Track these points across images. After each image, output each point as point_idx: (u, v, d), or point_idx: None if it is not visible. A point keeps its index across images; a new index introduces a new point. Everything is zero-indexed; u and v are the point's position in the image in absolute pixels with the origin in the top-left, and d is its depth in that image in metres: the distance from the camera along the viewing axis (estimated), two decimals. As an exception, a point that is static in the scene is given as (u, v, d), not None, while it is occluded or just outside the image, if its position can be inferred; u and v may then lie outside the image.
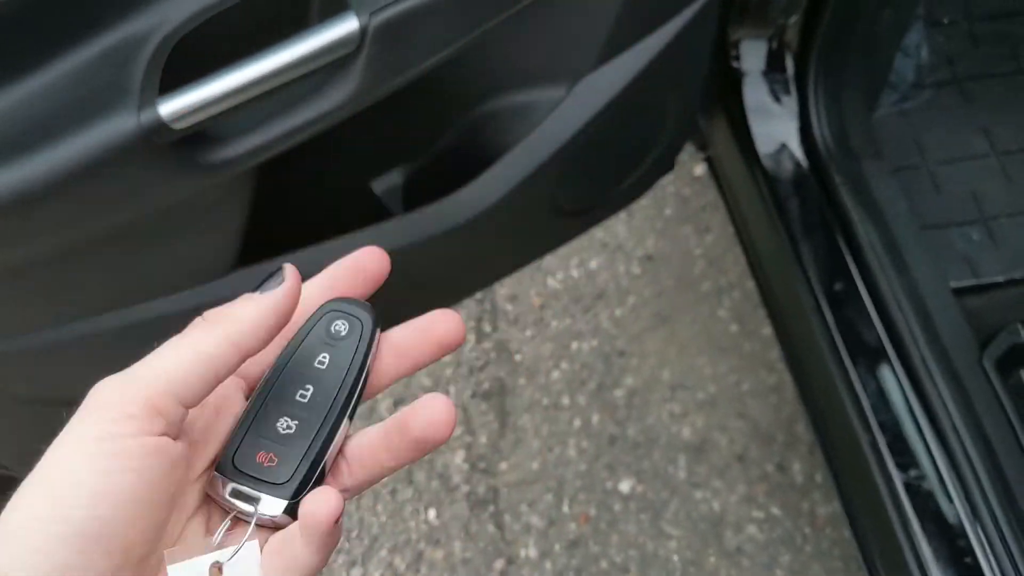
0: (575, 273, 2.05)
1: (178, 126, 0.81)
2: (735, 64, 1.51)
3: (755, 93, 1.49)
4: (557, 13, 1.01)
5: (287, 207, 1.12)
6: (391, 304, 1.33)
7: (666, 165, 1.43)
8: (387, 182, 1.27)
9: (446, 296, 1.40)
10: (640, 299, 2.00)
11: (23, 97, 0.77)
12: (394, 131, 1.15)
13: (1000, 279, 1.51)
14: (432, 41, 0.90)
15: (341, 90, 0.89)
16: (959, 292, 1.46)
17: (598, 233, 2.07)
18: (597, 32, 1.08)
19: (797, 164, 1.47)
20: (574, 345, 1.96)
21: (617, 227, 2.08)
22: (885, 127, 1.63)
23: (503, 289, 2.03)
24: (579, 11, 1.04)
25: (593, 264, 2.05)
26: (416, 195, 1.24)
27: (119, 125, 0.79)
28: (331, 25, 0.84)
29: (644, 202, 2.10)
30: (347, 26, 0.84)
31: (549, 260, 2.06)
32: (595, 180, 1.30)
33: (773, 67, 1.48)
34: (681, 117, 1.30)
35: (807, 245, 1.43)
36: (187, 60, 0.83)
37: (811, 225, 1.44)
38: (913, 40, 1.67)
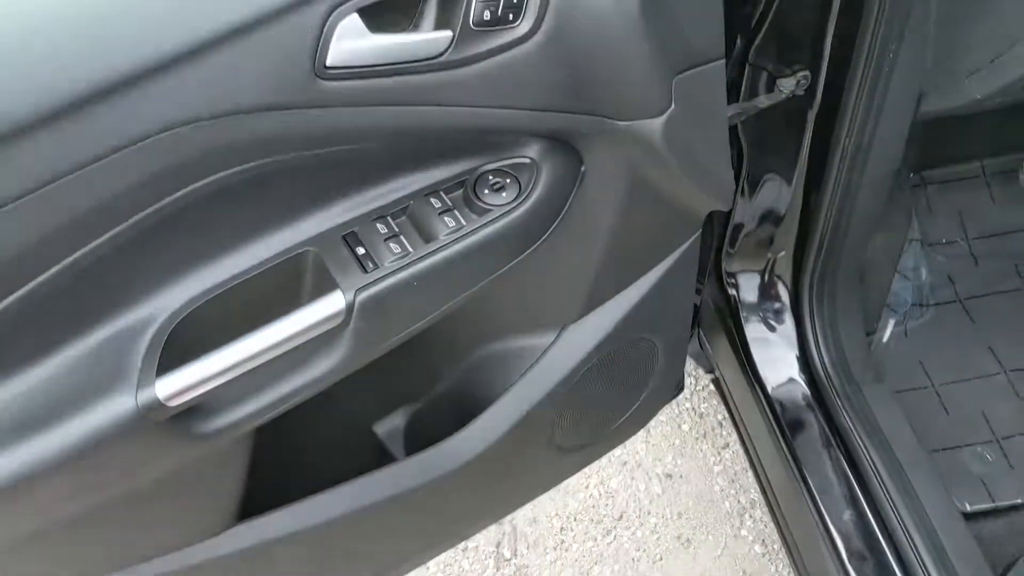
0: (595, 492, 2.04)
1: (174, 403, 0.86)
2: (732, 293, 1.56)
3: (754, 323, 1.53)
4: (540, 270, 1.08)
5: (289, 455, 1.16)
6: (399, 543, 1.33)
7: (667, 394, 1.46)
8: (389, 424, 1.32)
9: (449, 536, 1.41)
10: (661, 520, 1.98)
11: (26, 386, 0.84)
12: (395, 376, 1.20)
13: (1018, 501, 1.48)
14: (413, 312, 0.96)
15: (329, 359, 0.95)
16: (974, 516, 1.43)
17: (617, 451, 2.08)
18: (579, 286, 1.14)
19: (799, 392, 1.49)
20: (595, 570, 1.93)
21: (636, 444, 2.08)
22: (887, 349, 1.65)
23: (523, 510, 2.02)
24: (560, 269, 1.11)
25: (613, 483, 2.05)
26: (418, 437, 1.28)
27: (118, 408, 0.84)
28: (320, 302, 0.91)
29: (661, 417, 2.11)
30: (335, 303, 0.90)
31: (569, 479, 2.06)
32: (591, 419, 1.33)
33: (768, 298, 1.53)
34: (672, 351, 1.34)
35: (814, 473, 1.42)
36: (182, 335, 0.89)
37: (816, 453, 1.44)
38: (910, 262, 1.72)
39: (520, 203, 0.98)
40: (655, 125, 0.96)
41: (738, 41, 1.31)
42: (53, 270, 0.80)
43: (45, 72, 0.72)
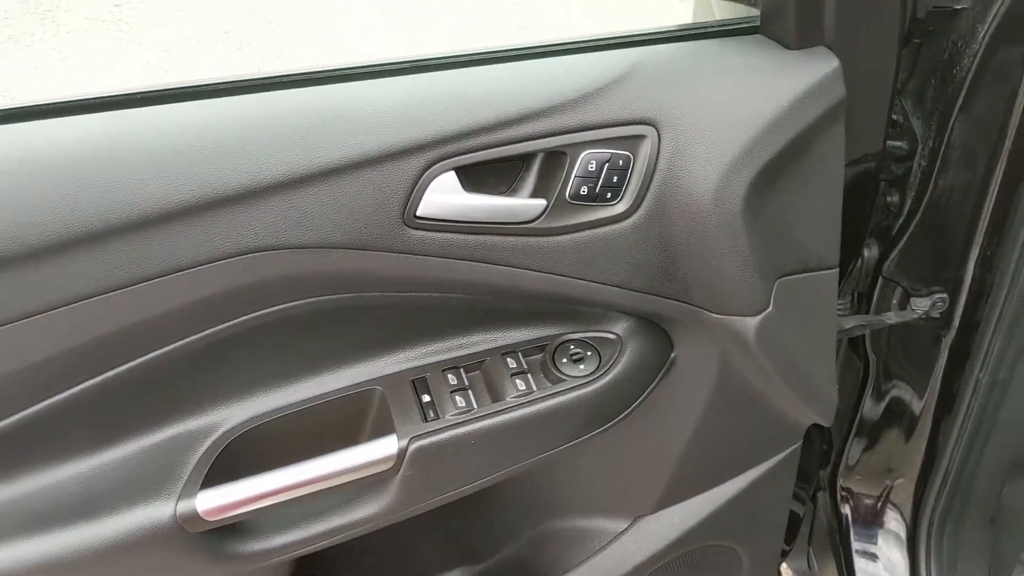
0: None
1: (212, 518, 0.86)
2: (845, 513, 1.44)
3: (864, 557, 1.40)
4: (614, 452, 1.03)
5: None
6: None
7: None
8: (447, 581, 1.27)
9: None
10: None
11: (76, 474, 0.87)
12: (458, 532, 1.16)
13: None
14: (469, 470, 0.94)
15: (377, 503, 0.93)
16: None
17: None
18: (657, 477, 1.09)
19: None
20: None
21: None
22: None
23: None
24: (637, 455, 1.06)
25: None
26: (475, 600, 1.23)
27: (155, 512, 0.85)
28: (374, 443, 0.90)
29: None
30: (388, 447, 0.89)
31: None
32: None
33: (883, 528, 1.40)
34: (759, 565, 1.24)
35: None
36: (236, 452, 0.91)
37: None
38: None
39: (597, 378, 0.95)
40: (750, 324, 0.92)
41: (875, 250, 1.26)
42: (125, 367, 0.83)
43: (138, 179, 0.77)
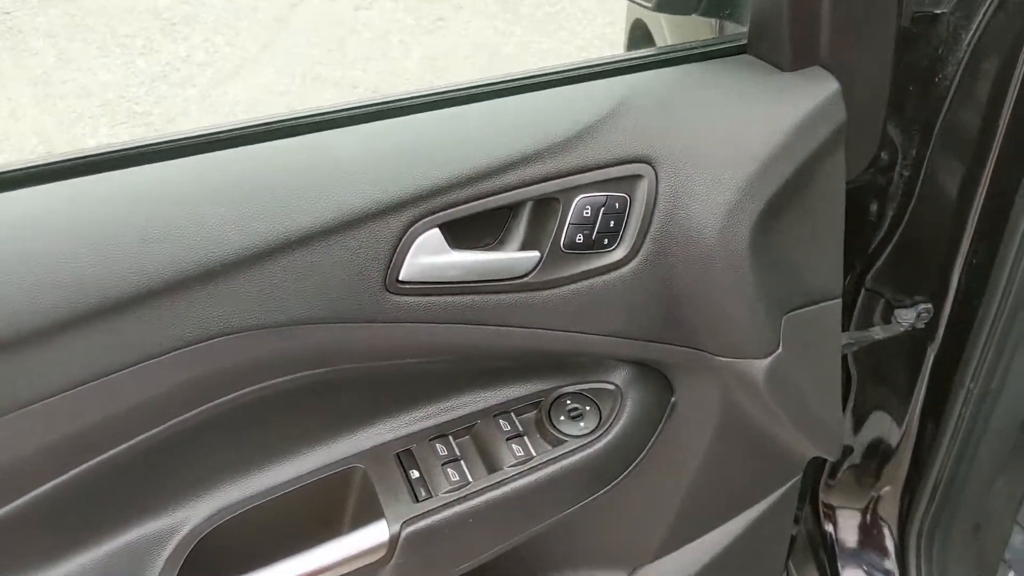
0: None
1: None
2: (829, 531, 1.40)
3: (852, 571, 1.36)
4: (615, 508, 0.96)
5: None
6: None
7: None
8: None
9: None
10: None
11: None
12: None
13: None
14: (466, 550, 0.86)
15: None
16: None
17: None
18: (657, 525, 1.02)
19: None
20: None
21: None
22: (1004, 613, 1.45)
23: None
24: (638, 506, 0.99)
25: None
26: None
27: None
28: (361, 531, 0.81)
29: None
30: (378, 534, 0.80)
31: None
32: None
33: (870, 543, 1.37)
34: None
35: None
36: (208, 549, 0.80)
37: None
38: (1032, 513, 1.53)
39: (599, 436, 0.88)
40: (758, 367, 0.86)
41: (856, 262, 1.21)
42: (77, 470, 0.73)
43: (77, 267, 0.66)
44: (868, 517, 1.37)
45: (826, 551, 1.41)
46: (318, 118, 0.76)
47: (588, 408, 0.89)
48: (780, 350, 0.85)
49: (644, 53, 0.86)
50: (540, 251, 0.78)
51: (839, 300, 0.92)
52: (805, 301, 0.89)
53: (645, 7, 1.06)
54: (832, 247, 0.90)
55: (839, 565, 1.38)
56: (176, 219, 0.68)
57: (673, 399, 0.92)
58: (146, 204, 0.69)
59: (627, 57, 0.85)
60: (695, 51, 0.88)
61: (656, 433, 0.92)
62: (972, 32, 0.97)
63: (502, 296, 0.78)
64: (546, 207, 0.78)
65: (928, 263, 1.17)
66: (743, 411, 0.93)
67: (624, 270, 0.81)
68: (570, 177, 0.77)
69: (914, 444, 1.28)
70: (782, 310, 0.87)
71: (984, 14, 0.96)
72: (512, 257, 0.78)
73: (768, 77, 0.84)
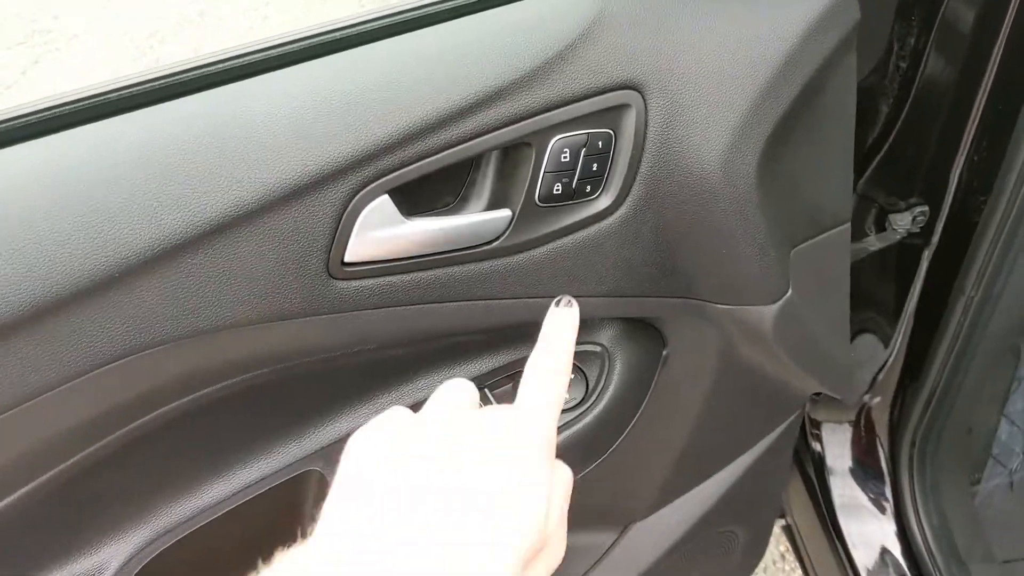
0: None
1: None
2: (816, 448, 1.33)
3: (842, 487, 1.30)
4: (607, 473, 0.86)
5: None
6: None
7: None
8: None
9: None
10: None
11: None
12: None
13: None
14: None
15: None
16: None
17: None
18: (652, 481, 0.92)
19: (898, 571, 1.25)
20: None
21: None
22: (991, 508, 1.41)
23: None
24: (632, 467, 0.89)
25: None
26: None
27: None
28: None
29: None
30: None
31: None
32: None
33: (861, 456, 1.30)
34: (756, 540, 1.11)
35: None
36: None
37: (918, 649, 1.21)
38: (1018, 404, 1.48)
39: (588, 408, 0.76)
40: (766, 313, 0.74)
41: None
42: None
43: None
44: (857, 430, 1.30)
45: (815, 467, 1.34)
46: (220, 67, 0.60)
47: (573, 376, 0.77)
48: (790, 293, 0.74)
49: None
50: (512, 208, 0.65)
51: (848, 224, 0.80)
52: (815, 231, 0.77)
53: None
54: (843, 166, 0.78)
55: (828, 480, 1.32)
56: (58, 216, 0.53)
57: (666, 352, 0.81)
58: (17, 198, 0.53)
59: None
60: None
61: (649, 391, 0.81)
62: None
63: (470, 266, 0.65)
64: (516, 154, 0.64)
65: (925, 161, 1.05)
66: (745, 357, 0.83)
67: (611, 220, 0.68)
68: (543, 115, 0.63)
69: (906, 353, 1.20)
70: (791, 245, 0.75)
71: None
72: (479, 220, 0.64)
73: None
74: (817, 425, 1.32)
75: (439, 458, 0.44)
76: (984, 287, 1.07)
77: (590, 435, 0.77)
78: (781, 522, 1.53)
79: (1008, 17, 0.88)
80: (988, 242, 1.03)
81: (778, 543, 1.88)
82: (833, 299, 0.83)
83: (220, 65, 0.59)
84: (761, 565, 1.82)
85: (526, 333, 0.76)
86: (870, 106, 1.03)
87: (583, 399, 0.76)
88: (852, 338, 1.22)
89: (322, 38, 0.62)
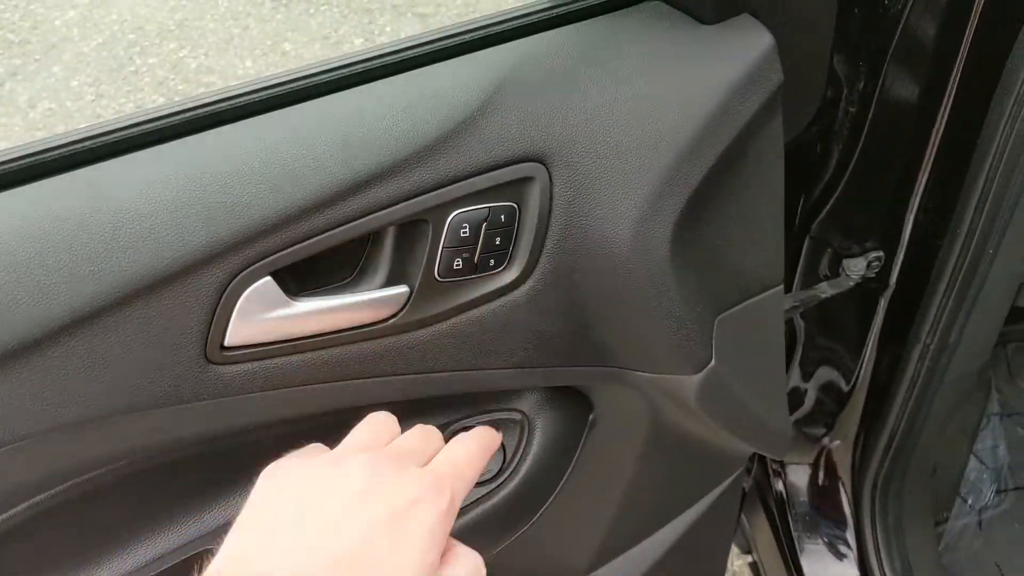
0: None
1: None
2: (779, 488, 1.30)
3: (805, 530, 1.27)
4: (533, 539, 0.83)
5: None
6: None
7: None
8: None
9: None
10: None
11: None
12: None
13: None
14: None
15: None
16: None
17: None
18: (586, 543, 0.89)
19: (858, 617, 1.23)
20: None
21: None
22: (959, 547, 1.38)
23: None
24: (561, 533, 0.86)
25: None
26: None
27: None
28: None
29: None
30: None
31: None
32: None
33: (823, 498, 1.27)
34: None
35: None
36: None
37: None
38: (987, 441, 1.45)
39: (504, 481, 0.73)
40: (689, 383, 0.71)
41: (798, 211, 1.06)
42: None
43: None
44: (819, 472, 1.27)
45: (777, 507, 1.31)
46: (88, 144, 0.57)
47: None
48: (713, 362, 0.71)
49: (527, 11, 0.67)
50: (409, 284, 0.62)
51: (781, 287, 0.77)
52: (742, 296, 0.74)
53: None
54: (771, 228, 0.74)
55: (791, 521, 1.29)
56: None
57: (592, 416, 0.78)
58: None
59: (504, 18, 0.67)
60: (586, 3, 0.69)
61: (574, 458, 0.78)
62: None
63: (365, 345, 0.62)
64: (412, 230, 0.61)
65: (879, 206, 1.02)
66: (675, 422, 0.80)
67: (518, 293, 0.64)
68: (440, 191, 0.60)
69: (866, 397, 1.17)
70: (715, 313, 0.72)
71: None
72: (374, 297, 0.61)
73: (686, 32, 0.66)
74: (781, 465, 1.29)
75: (341, 503, 0.45)
76: (939, 336, 1.03)
77: (508, 507, 0.74)
78: (748, 558, 1.50)
79: (959, 58, 0.85)
80: (942, 289, 1.00)
81: None
82: (765, 362, 0.80)
83: (88, 143, 0.56)
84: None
85: (432, 404, 0.73)
86: (822, 148, 1.00)
87: (498, 473, 0.73)
88: (814, 371, 1.19)
89: (198, 112, 0.59)
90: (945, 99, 0.89)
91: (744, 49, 0.65)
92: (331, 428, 0.70)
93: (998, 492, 1.43)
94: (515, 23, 0.66)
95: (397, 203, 0.59)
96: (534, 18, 0.67)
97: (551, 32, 0.66)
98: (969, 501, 1.40)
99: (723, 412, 0.76)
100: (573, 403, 0.77)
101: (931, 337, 1.04)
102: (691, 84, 0.64)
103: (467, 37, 0.66)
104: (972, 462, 1.42)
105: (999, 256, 0.98)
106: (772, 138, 0.69)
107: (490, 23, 0.67)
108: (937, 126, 0.92)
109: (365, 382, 0.63)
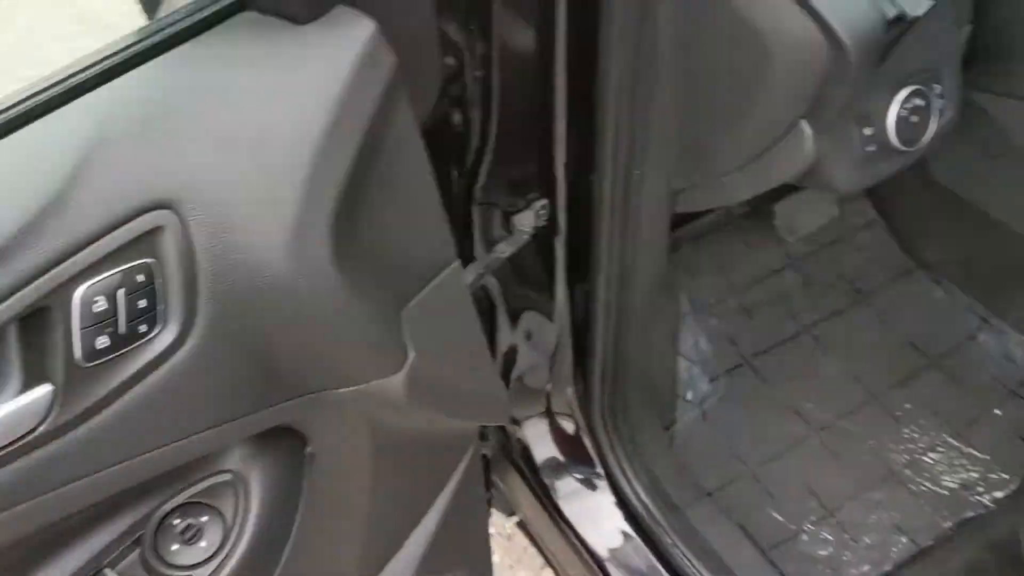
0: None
1: None
2: (521, 445, 1.34)
3: (555, 476, 1.31)
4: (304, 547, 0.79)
5: None
6: None
7: None
8: None
9: None
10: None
11: None
12: None
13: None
14: None
15: None
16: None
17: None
18: (346, 565, 0.86)
19: (623, 538, 1.29)
20: None
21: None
22: (691, 443, 1.49)
23: None
24: (309, 568, 0.81)
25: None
26: None
27: None
28: None
29: None
30: None
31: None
32: None
33: (562, 442, 1.32)
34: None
35: None
36: None
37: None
38: (689, 340, 1.56)
39: (229, 552, 0.68)
40: (394, 383, 0.70)
41: (459, 179, 1.07)
42: None
43: None
44: (553, 418, 1.32)
45: (526, 463, 1.35)
46: None
47: (206, 518, 0.68)
48: (412, 355, 0.70)
49: (115, 48, 0.61)
50: (53, 381, 0.55)
51: (457, 263, 0.77)
52: (422, 283, 0.73)
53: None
54: (430, 208, 0.74)
55: (540, 472, 1.33)
56: None
57: (310, 449, 0.74)
58: None
59: (93, 61, 0.60)
60: (179, 25, 0.64)
61: (301, 499, 0.74)
62: None
63: (17, 465, 0.54)
64: (38, 320, 0.54)
65: (531, 158, 1.06)
66: (396, 423, 0.78)
67: (183, 353, 0.59)
68: (54, 271, 0.53)
69: (572, 336, 1.22)
70: (398, 307, 0.70)
71: None
72: (11, 409, 0.53)
73: (285, 36, 0.63)
74: (516, 422, 1.32)
75: None
76: (618, 261, 1.09)
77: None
78: (515, 518, 1.53)
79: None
80: (607, 216, 1.05)
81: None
82: (463, 339, 0.80)
83: None
84: (509, 560, 1.83)
85: (130, 495, 0.66)
86: (462, 117, 1.01)
87: (222, 543, 0.68)
88: (518, 315, 1.23)
89: None
90: (557, 42, 0.93)
91: (348, 40, 0.63)
92: (20, 563, 0.62)
93: (711, 381, 1.55)
94: (106, 64, 0.60)
95: (4, 298, 0.51)
96: (126, 54, 0.61)
97: (146, 66, 0.61)
98: (689, 397, 1.51)
99: (436, 400, 0.75)
100: (285, 443, 0.73)
101: (611, 265, 1.09)
102: (303, 88, 0.61)
103: (54, 92, 0.59)
104: (681, 362, 1.53)
105: (647, 176, 1.05)
106: (404, 121, 0.68)
107: (77, 70, 0.60)
108: (557, 68, 0.96)
109: (36, 503, 0.56)
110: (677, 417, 1.50)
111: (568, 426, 1.31)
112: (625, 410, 1.31)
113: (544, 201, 1.06)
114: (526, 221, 1.06)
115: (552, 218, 1.08)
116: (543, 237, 1.11)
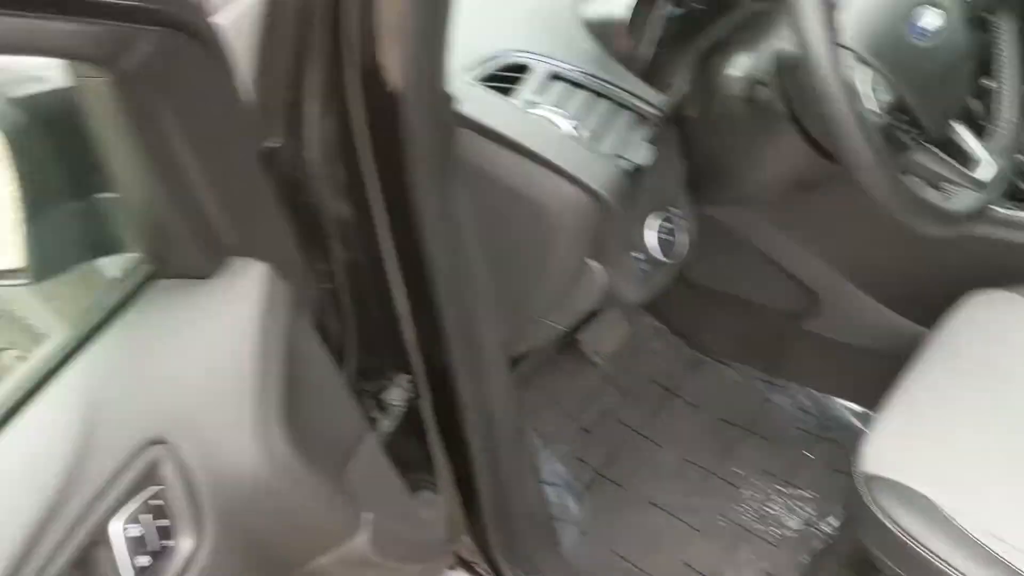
0: None
1: None
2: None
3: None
4: None
5: None
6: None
7: None
8: None
9: None
10: None
11: None
12: None
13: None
14: None
15: None
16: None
17: None
18: None
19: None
20: None
21: None
22: (580, 556, 1.64)
23: None
24: None
25: None
26: None
27: None
28: None
29: None
30: None
31: None
32: None
33: None
34: None
35: None
36: None
37: None
38: (547, 467, 1.75)
39: None
40: (360, 542, 0.85)
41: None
42: None
43: None
44: (465, 566, 1.45)
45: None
46: None
47: None
48: (371, 515, 0.85)
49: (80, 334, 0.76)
50: None
51: (373, 433, 0.94)
52: (347, 453, 0.89)
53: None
54: (339, 393, 0.91)
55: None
56: None
57: None
58: None
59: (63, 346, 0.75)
60: (108, 306, 0.80)
61: None
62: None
63: None
64: (88, 556, 0.66)
65: (381, 341, 1.23)
66: None
67: (202, 554, 0.72)
68: (94, 516, 0.66)
69: (457, 486, 1.38)
70: (340, 476, 0.86)
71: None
72: None
73: (197, 293, 0.79)
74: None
75: None
76: (481, 411, 1.28)
77: None
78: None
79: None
80: (460, 372, 1.23)
81: None
82: (394, 495, 0.96)
83: None
84: None
85: None
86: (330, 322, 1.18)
87: None
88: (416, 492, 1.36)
89: None
90: (387, 258, 1.11)
91: (251, 281, 0.80)
92: None
93: (577, 499, 1.74)
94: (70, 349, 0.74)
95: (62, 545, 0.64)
96: (84, 339, 0.75)
97: (97, 345, 0.75)
98: (563, 518, 1.69)
99: (395, 548, 0.90)
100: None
101: (474, 414, 1.27)
102: (231, 326, 0.78)
103: (27, 386, 0.72)
104: (549, 489, 1.71)
105: (484, 337, 1.25)
106: (304, 329, 0.85)
107: (44, 363, 0.74)
108: (391, 274, 1.14)
109: None
110: (559, 539, 1.67)
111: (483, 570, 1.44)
112: (514, 539, 1.46)
113: (404, 374, 1.24)
114: (396, 397, 1.23)
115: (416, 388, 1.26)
116: (413, 405, 1.28)
